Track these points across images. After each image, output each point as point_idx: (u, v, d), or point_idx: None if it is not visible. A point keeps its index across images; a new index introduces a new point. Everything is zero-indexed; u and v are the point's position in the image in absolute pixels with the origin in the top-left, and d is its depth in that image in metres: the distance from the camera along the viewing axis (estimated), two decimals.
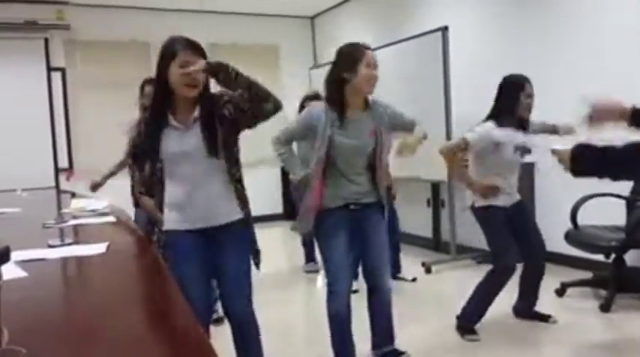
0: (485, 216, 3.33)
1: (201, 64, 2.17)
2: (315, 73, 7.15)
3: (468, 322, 3.34)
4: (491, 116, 3.28)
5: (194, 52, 2.21)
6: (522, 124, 3.26)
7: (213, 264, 2.37)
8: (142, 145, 2.37)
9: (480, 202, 3.31)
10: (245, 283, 2.40)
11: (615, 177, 1.72)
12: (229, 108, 2.28)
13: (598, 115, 2.04)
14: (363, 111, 2.76)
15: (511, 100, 3.24)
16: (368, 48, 2.73)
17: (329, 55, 7.26)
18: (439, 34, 5.01)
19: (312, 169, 2.75)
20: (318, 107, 2.78)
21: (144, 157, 2.41)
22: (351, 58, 2.68)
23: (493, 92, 3.33)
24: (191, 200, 2.30)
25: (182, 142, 2.27)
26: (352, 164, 2.75)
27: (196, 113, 2.28)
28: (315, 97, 4.74)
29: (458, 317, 3.39)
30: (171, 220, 2.34)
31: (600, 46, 4.31)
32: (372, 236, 2.84)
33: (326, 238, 2.79)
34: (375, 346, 2.97)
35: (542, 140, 1.91)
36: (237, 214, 2.36)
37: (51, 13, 6.86)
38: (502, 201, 3.29)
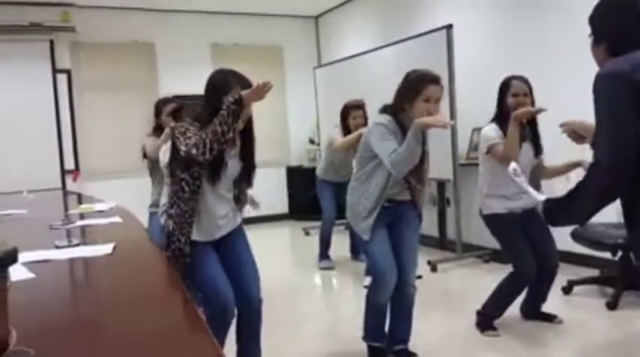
0: (492, 224, 3.33)
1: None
2: (319, 72, 7.04)
3: (487, 318, 3.35)
4: (494, 118, 3.30)
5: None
6: (534, 130, 3.26)
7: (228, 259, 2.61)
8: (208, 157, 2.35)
9: (485, 211, 3.32)
10: (257, 270, 2.64)
11: (574, 222, 1.77)
12: None
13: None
14: None
15: (501, 101, 3.26)
16: (434, 81, 2.67)
17: (333, 54, 7.35)
18: (444, 32, 5.00)
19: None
20: (384, 121, 2.78)
21: (196, 167, 2.40)
22: (412, 89, 2.69)
23: (497, 90, 3.32)
24: (211, 218, 2.50)
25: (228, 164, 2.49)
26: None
27: (238, 143, 2.52)
28: (359, 106, 4.79)
29: (478, 313, 3.39)
30: (195, 231, 2.48)
31: None
32: (404, 233, 2.92)
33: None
34: (390, 341, 3.00)
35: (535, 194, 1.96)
36: (239, 219, 2.69)
37: (56, 15, 6.87)
38: (510, 207, 3.23)
